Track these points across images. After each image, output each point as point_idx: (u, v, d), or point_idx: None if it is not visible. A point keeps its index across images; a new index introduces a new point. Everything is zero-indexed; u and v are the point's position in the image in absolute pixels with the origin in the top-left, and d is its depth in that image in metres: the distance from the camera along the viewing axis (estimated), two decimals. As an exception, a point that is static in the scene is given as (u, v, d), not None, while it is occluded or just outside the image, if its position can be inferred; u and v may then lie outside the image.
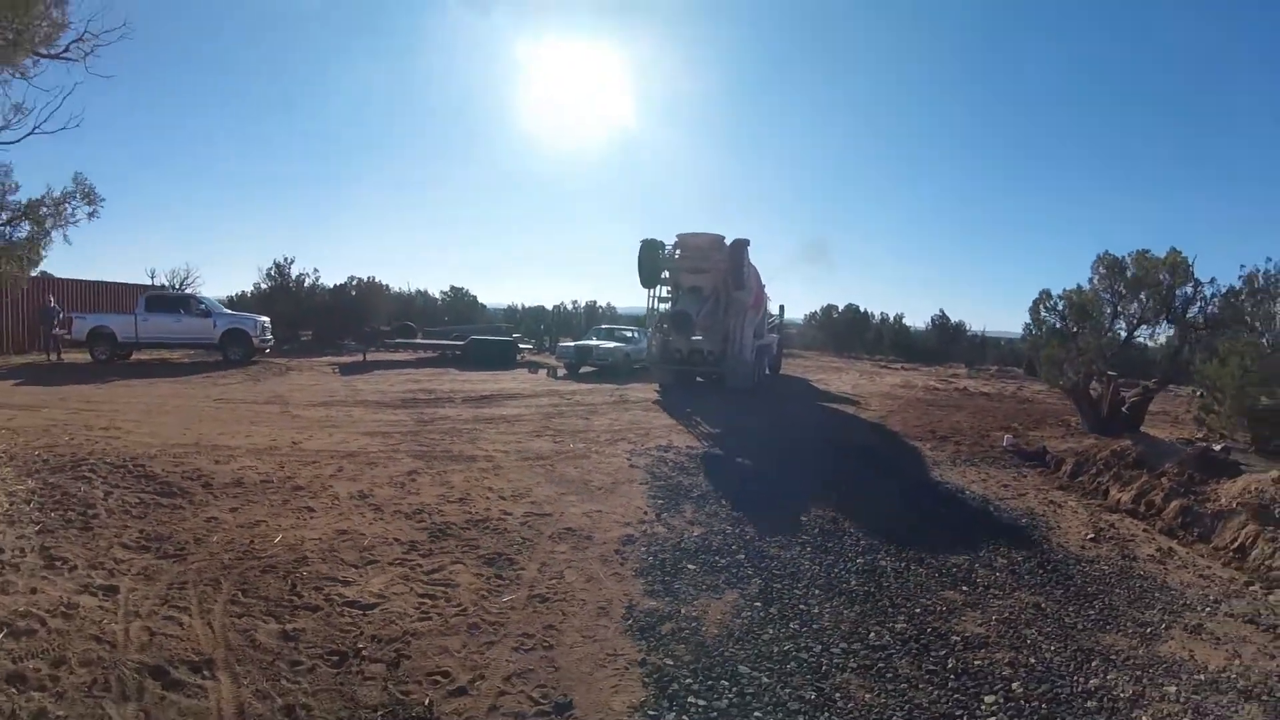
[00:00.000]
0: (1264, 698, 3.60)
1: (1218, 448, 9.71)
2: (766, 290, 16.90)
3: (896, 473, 8.13)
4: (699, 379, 15.47)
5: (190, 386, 12.90)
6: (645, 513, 5.78)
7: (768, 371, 17.50)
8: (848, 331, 34.58)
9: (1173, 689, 3.62)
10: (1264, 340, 11.06)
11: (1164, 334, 11.68)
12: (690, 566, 4.69)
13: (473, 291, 32.16)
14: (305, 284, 24.99)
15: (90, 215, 4.26)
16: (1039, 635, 4.06)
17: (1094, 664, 3.79)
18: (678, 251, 14.50)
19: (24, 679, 3.08)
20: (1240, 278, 11.53)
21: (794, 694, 3.16)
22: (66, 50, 3.21)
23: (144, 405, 10.40)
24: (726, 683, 3.23)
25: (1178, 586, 5.05)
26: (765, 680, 3.27)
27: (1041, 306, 10.73)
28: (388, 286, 27.40)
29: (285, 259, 24.92)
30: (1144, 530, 6.39)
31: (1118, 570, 5.23)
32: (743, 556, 5.00)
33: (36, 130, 3.82)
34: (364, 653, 3.36)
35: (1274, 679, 3.80)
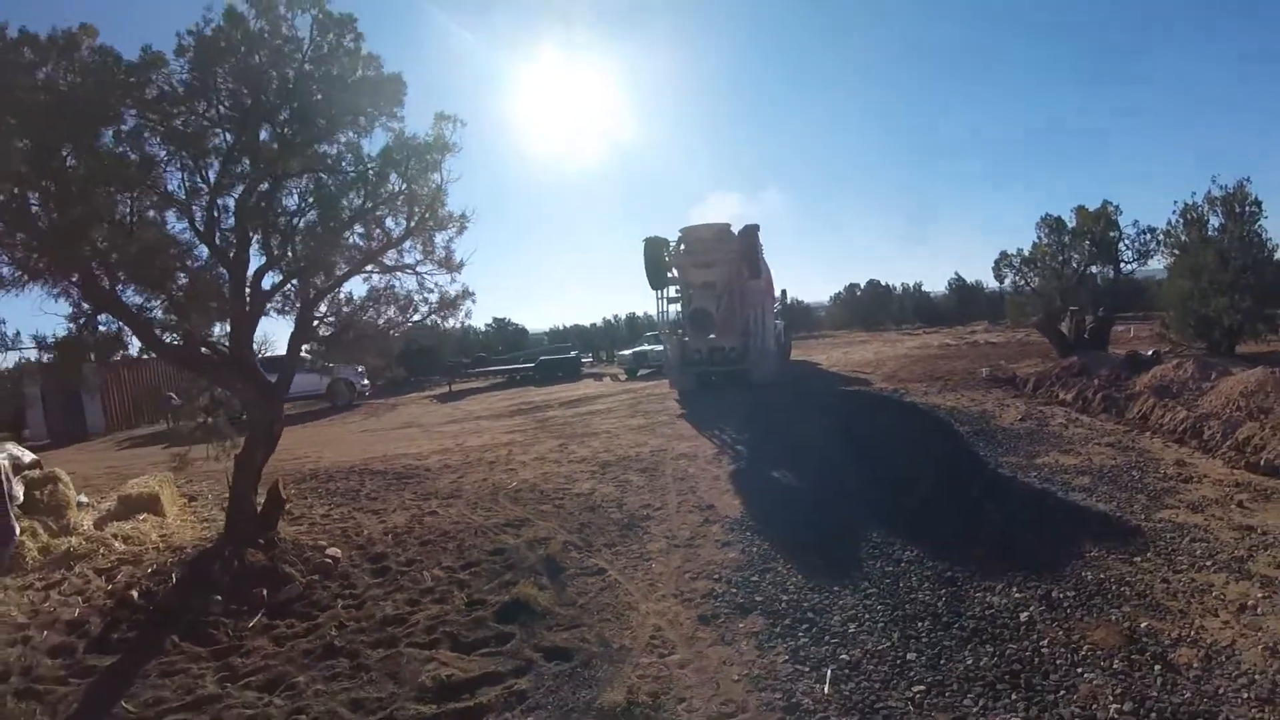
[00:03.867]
0: (1093, 473, 6.47)
1: (1149, 352, 12.41)
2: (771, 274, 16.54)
3: (889, 405, 11.07)
4: (714, 379, 14.59)
5: (329, 426, 15.34)
6: (725, 444, 8.88)
7: None
8: (872, 306, 36.75)
9: (1034, 475, 6.55)
10: (1203, 258, 13.60)
11: (1111, 271, 14.32)
12: (757, 459, 7.82)
13: (514, 320, 35.48)
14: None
15: (474, 302, 7.06)
16: (957, 458, 7.09)
17: (989, 465, 6.79)
18: (683, 246, 13.87)
19: (431, 542, 6.18)
20: (1174, 213, 14.13)
21: (816, 490, 6.31)
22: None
23: (311, 441, 12.51)
24: (778, 492, 6.42)
25: (1070, 436, 7.91)
26: (799, 485, 6.44)
27: (1001, 265, 13.53)
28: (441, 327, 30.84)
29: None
30: (1065, 411, 9.22)
31: (1031, 432, 8.13)
32: (785, 453, 8.14)
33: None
34: (601, 506, 6.53)
35: (1107, 466, 6.64)
